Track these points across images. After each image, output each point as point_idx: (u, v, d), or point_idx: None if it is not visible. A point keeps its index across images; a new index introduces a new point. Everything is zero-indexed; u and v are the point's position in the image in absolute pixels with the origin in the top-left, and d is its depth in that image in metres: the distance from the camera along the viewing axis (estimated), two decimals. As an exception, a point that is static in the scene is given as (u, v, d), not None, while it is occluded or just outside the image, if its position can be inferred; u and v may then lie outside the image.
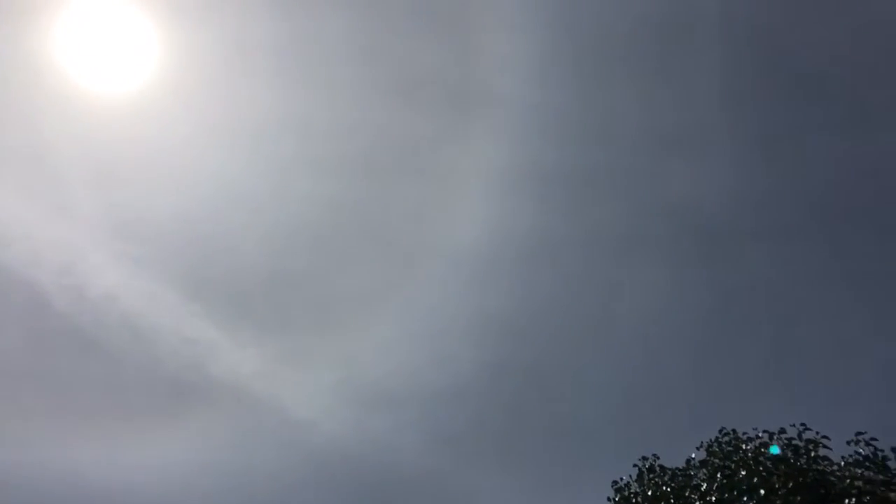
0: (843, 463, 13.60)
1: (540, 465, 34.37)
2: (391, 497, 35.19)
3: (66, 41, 36.13)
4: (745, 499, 13.63)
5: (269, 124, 38.61)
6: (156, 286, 37.04)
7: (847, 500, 12.76)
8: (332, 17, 37.75)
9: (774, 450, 13.94)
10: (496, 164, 38.51)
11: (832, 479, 13.33)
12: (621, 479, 15.96)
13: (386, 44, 39.21)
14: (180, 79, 37.29)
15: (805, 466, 13.60)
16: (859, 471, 13.38)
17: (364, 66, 39.25)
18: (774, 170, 38.97)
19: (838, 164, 37.88)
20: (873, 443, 13.54)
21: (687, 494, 14.68)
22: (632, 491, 15.65)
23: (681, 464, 15.48)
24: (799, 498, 12.97)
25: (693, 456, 15.35)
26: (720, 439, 15.13)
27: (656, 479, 15.44)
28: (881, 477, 13.17)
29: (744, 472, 14.00)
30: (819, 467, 13.60)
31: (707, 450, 15.17)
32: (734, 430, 15.06)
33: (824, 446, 13.83)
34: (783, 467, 13.70)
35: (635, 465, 15.83)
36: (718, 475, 14.40)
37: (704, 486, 14.51)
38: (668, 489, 15.04)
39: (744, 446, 14.64)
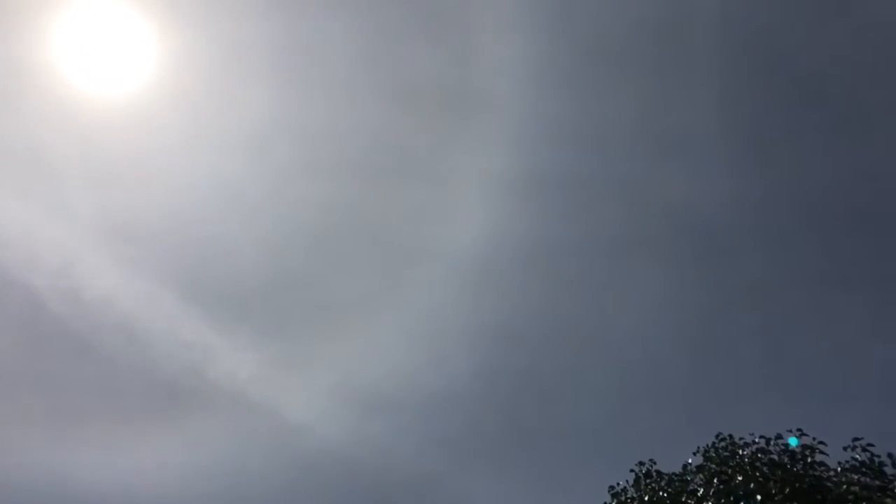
0: (839, 468, 13.61)
1: (536, 469, 34.35)
2: (388, 500, 35.17)
3: (64, 43, 36.08)
4: (741, 504, 13.62)
5: (266, 127, 38.59)
6: (152, 289, 36.99)
7: (843, 506, 12.77)
8: (329, 20, 37.73)
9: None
10: (493, 168, 38.53)
11: (829, 484, 13.34)
12: (618, 483, 15.95)
13: (384, 47, 39.23)
14: (178, 81, 37.27)
15: (802, 472, 13.60)
16: (856, 476, 13.38)
17: (362, 70, 39.25)
18: (772, 172, 39.01)
19: (836, 166, 37.94)
20: (870, 448, 13.57)
21: (683, 500, 14.67)
22: (628, 496, 15.64)
23: (677, 469, 15.48)
24: (795, 503, 12.97)
25: (690, 461, 15.34)
26: (717, 445, 15.12)
27: (653, 485, 15.42)
28: (877, 482, 13.18)
29: (740, 478, 13.99)
30: (816, 473, 13.61)
31: (704, 455, 15.15)
32: (731, 436, 15.06)
33: (821, 452, 13.83)
34: (780, 473, 13.69)
35: (632, 471, 15.82)
36: (715, 481, 14.40)
37: (701, 491, 14.49)
38: (665, 494, 15.03)
39: (740, 452, 14.63)
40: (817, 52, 37.25)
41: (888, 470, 13.30)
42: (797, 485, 13.34)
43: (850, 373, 32.31)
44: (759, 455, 14.28)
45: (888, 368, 30.28)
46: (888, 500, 12.78)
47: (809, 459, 13.74)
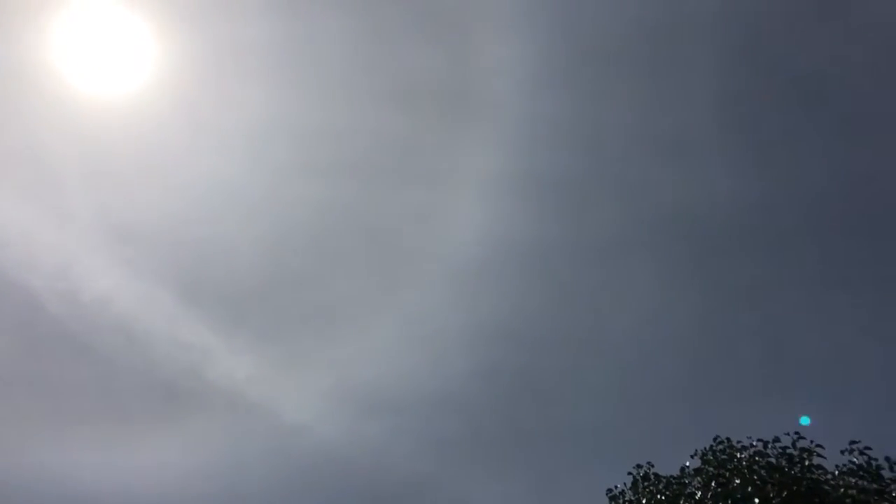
0: (837, 472, 13.62)
1: (534, 471, 34.37)
2: (385, 501, 35.18)
3: (62, 44, 36.09)
4: (739, 507, 13.63)
5: (264, 127, 38.61)
6: (151, 290, 36.99)
7: (841, 510, 12.79)
8: (327, 22, 37.76)
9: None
10: (491, 169, 38.55)
11: (826, 487, 13.34)
12: (616, 486, 15.96)
13: (381, 48, 39.25)
14: (176, 81, 37.27)
15: (799, 475, 13.60)
16: (853, 480, 13.39)
17: (359, 70, 39.26)
18: (770, 173, 39.07)
19: (834, 167, 38.01)
20: (867, 452, 13.57)
21: (681, 503, 14.68)
22: (626, 499, 15.65)
23: (675, 472, 15.48)
24: (793, 507, 13.00)
25: (687, 464, 15.33)
26: (714, 447, 15.11)
27: (650, 487, 15.43)
28: (875, 486, 13.19)
29: (738, 481, 13.99)
30: (813, 476, 13.61)
31: (701, 458, 15.14)
32: (728, 439, 15.06)
33: (818, 455, 13.83)
34: (777, 476, 13.69)
35: (630, 474, 15.82)
36: (713, 483, 14.39)
37: (699, 494, 14.49)
38: (663, 497, 15.03)
39: (738, 455, 14.63)
40: (815, 52, 37.34)
41: (885, 473, 13.30)
42: (795, 488, 13.35)
43: (848, 375, 32.39)
44: (757, 458, 14.27)
45: (886, 371, 30.35)
46: (885, 503, 12.80)
47: (807, 462, 13.73)
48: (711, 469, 14.77)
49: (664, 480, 15.39)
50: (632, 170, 39.92)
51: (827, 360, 33.77)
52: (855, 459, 13.60)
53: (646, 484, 15.56)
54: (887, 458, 13.41)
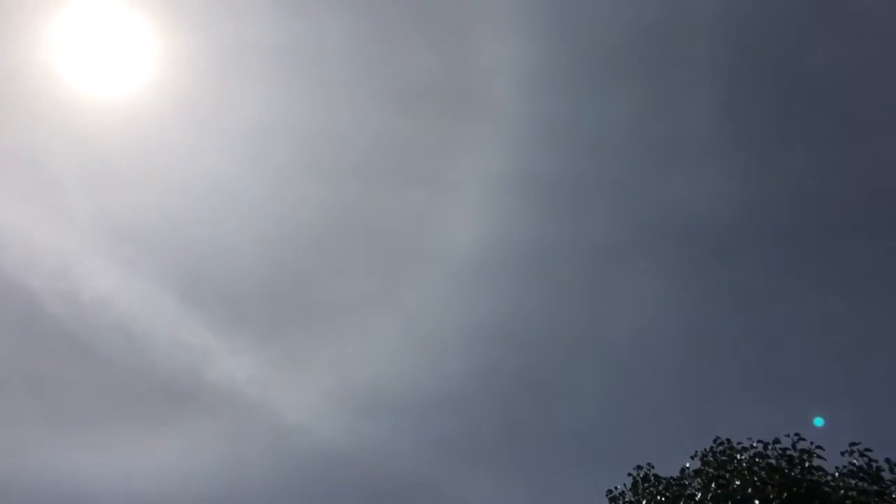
0: (837, 473, 13.62)
1: (533, 472, 34.35)
2: (384, 501, 35.18)
3: (61, 44, 36.09)
4: (739, 509, 13.63)
5: (265, 128, 38.62)
6: (150, 290, 36.98)
7: (841, 511, 12.80)
8: (328, 22, 37.77)
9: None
10: (491, 170, 38.56)
11: (826, 489, 13.34)
12: (616, 487, 15.94)
13: (382, 48, 39.26)
14: (176, 82, 37.27)
15: (799, 477, 13.59)
16: (853, 481, 13.39)
17: (361, 72, 39.28)
18: (769, 174, 39.10)
19: (834, 168, 38.03)
20: (867, 453, 13.57)
21: (681, 504, 14.69)
22: (626, 500, 15.64)
23: (675, 473, 15.47)
24: (793, 508, 13.00)
25: (687, 465, 15.32)
26: (714, 449, 15.09)
27: (650, 489, 15.41)
28: (875, 487, 13.20)
29: (738, 482, 13.98)
30: (813, 477, 13.60)
31: (701, 459, 15.13)
32: (728, 440, 15.05)
33: (819, 456, 13.82)
34: (778, 477, 13.69)
35: (630, 475, 15.81)
36: (713, 485, 14.39)
37: (699, 495, 14.48)
38: (663, 498, 15.02)
39: (738, 456, 14.63)
40: (815, 53, 37.36)
41: (885, 475, 13.30)
42: (795, 489, 13.34)
43: (849, 377, 32.39)
44: (757, 459, 14.25)
45: (887, 372, 30.36)
46: (885, 505, 12.83)
47: (807, 464, 13.73)
48: (711, 470, 14.76)
49: (664, 482, 15.37)
50: (631, 170, 39.98)
51: (827, 361, 33.81)
52: (855, 461, 13.60)
53: (646, 485, 15.55)
54: (887, 460, 13.41)
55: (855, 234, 36.93)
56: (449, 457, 35.96)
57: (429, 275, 38.21)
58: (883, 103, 35.83)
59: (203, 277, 38.73)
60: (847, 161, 37.28)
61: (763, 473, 13.93)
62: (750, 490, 13.67)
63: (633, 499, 15.56)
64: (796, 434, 14.14)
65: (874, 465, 13.40)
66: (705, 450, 15.24)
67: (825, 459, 13.82)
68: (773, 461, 14.08)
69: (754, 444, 14.56)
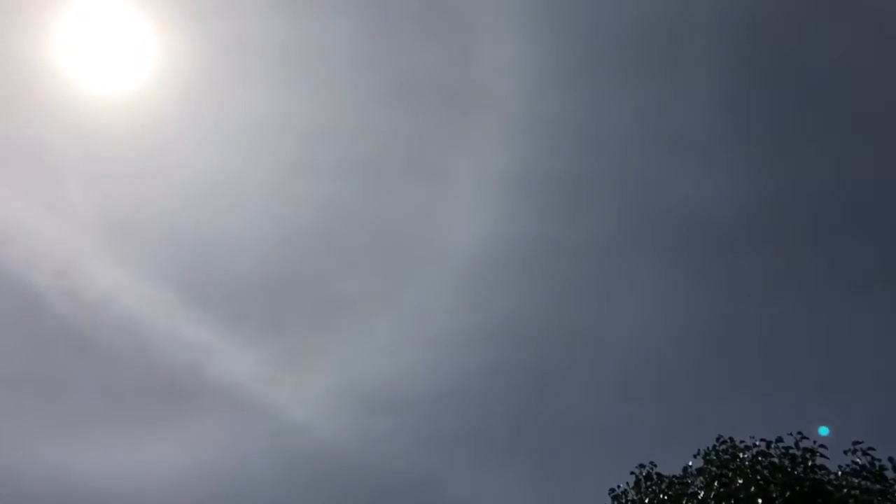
0: (840, 472, 13.55)
1: (537, 470, 34.34)
2: (388, 499, 35.17)
3: (65, 41, 36.11)
4: (741, 508, 13.55)
5: (267, 125, 38.62)
6: (153, 288, 37.01)
7: (844, 510, 12.71)
8: (333, 19, 37.75)
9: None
10: (495, 169, 38.50)
11: (829, 488, 13.28)
12: (618, 486, 15.91)
13: (386, 46, 39.21)
14: (179, 79, 37.28)
15: (802, 475, 13.53)
16: (856, 480, 13.33)
17: (365, 69, 39.25)
18: (774, 172, 38.97)
19: (839, 166, 37.88)
20: (870, 452, 13.51)
21: (684, 502, 14.62)
22: (629, 498, 15.60)
23: (678, 472, 15.42)
24: (796, 507, 12.92)
25: (690, 464, 15.29)
26: (717, 447, 15.06)
27: (653, 487, 15.38)
28: (878, 486, 13.13)
29: (741, 481, 13.93)
30: (816, 476, 13.54)
31: (704, 458, 15.10)
32: (731, 439, 15.00)
33: (821, 455, 13.76)
34: (780, 476, 13.62)
35: (632, 473, 15.77)
36: (715, 483, 14.34)
37: (701, 494, 14.43)
38: (665, 497, 14.98)
39: (741, 454, 14.57)
40: (821, 51, 37.20)
41: (889, 474, 13.26)
42: (798, 488, 13.28)
43: (852, 375, 32.27)
44: (760, 458, 14.20)
45: (890, 371, 30.22)
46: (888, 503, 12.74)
47: (810, 463, 13.67)
48: (714, 469, 14.72)
49: (667, 480, 15.34)
50: (636, 168, 39.89)
51: (832, 359, 33.69)
52: (858, 460, 13.55)
53: (648, 483, 15.52)
54: (890, 459, 13.36)
55: (860, 233, 36.82)
56: (453, 455, 35.97)
57: (433, 272, 38.22)
58: (892, 102, 35.69)
59: (206, 275, 38.79)
60: (854, 160, 37.16)
61: (766, 472, 13.87)
62: (752, 489, 13.61)
63: (635, 497, 15.52)
64: (799, 433, 14.09)
65: (877, 463, 13.35)
66: (708, 448, 15.20)
67: (828, 458, 13.79)
68: (775, 460, 14.01)
69: (757, 443, 14.52)
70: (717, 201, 39.20)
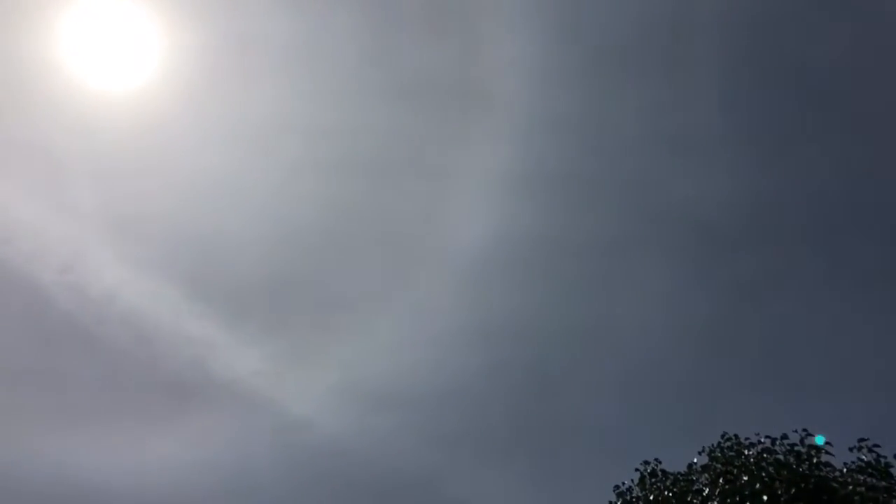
0: (845, 469, 13.58)
1: (540, 468, 34.41)
2: (390, 497, 35.24)
3: (70, 39, 36.18)
4: (746, 504, 13.62)
5: (271, 123, 38.67)
6: (157, 285, 37.08)
7: (849, 507, 12.77)
8: (336, 17, 37.78)
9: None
10: (498, 168, 38.55)
11: (834, 485, 13.31)
12: (623, 483, 15.98)
13: (389, 44, 39.24)
14: (184, 77, 37.33)
15: (807, 472, 13.57)
16: (862, 477, 13.36)
17: (368, 67, 39.28)
18: (776, 171, 39.03)
19: (840, 165, 37.94)
20: (876, 449, 13.51)
21: (689, 499, 14.67)
22: (634, 495, 15.67)
23: (682, 468, 15.50)
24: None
25: (695, 461, 15.33)
26: (722, 444, 15.10)
27: (658, 484, 15.44)
28: (884, 484, 13.15)
29: (746, 478, 13.96)
30: (821, 473, 13.57)
31: (709, 455, 15.14)
32: (736, 436, 15.05)
33: (827, 452, 13.80)
34: (785, 473, 13.68)
35: (637, 470, 15.85)
36: (720, 480, 14.39)
37: (706, 491, 14.49)
38: (670, 494, 15.04)
39: (746, 452, 14.62)
40: (823, 50, 37.24)
41: (894, 471, 13.27)
42: (803, 485, 13.32)
43: (857, 372, 32.34)
44: (765, 455, 14.22)
45: (890, 371, 30.29)
46: (894, 501, 12.78)
47: (815, 460, 13.70)
48: (719, 466, 14.76)
49: (671, 477, 15.41)
50: (638, 167, 39.93)
51: (835, 356, 33.77)
52: (864, 457, 13.54)
53: (653, 480, 15.58)
54: (896, 456, 13.40)
55: (862, 232, 36.87)
56: (454, 453, 36.05)
57: (436, 270, 38.27)
58: (892, 102, 35.74)
59: (209, 271, 38.87)
60: (854, 160, 37.21)
61: (771, 469, 13.90)
62: (758, 486, 13.64)
63: (640, 494, 15.59)
64: (804, 430, 14.10)
65: (883, 460, 13.35)
66: (713, 445, 15.24)
67: (833, 455, 13.80)
68: (780, 457, 14.04)
69: (762, 440, 14.53)
70: (718, 201, 39.28)
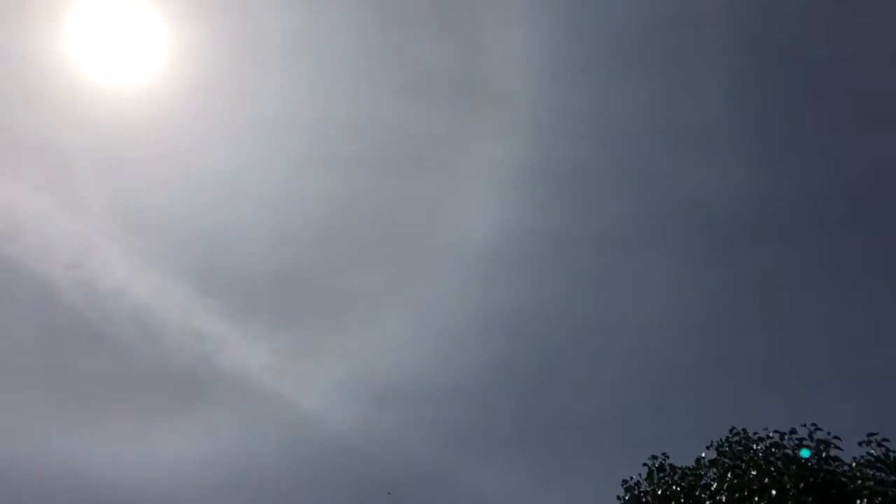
0: (854, 464, 13.53)
1: (549, 463, 34.40)
2: (399, 493, 35.22)
3: (76, 35, 36.25)
4: (755, 499, 13.58)
5: (279, 119, 38.71)
6: (166, 280, 37.19)
7: (858, 501, 12.71)
8: (344, 13, 37.76)
9: (805, 453, 13.84)
10: (506, 162, 38.53)
11: (843, 479, 13.28)
12: (631, 477, 15.99)
13: (397, 39, 39.24)
14: (191, 73, 37.38)
15: (816, 467, 13.55)
16: (871, 472, 13.31)
17: (375, 62, 39.30)
18: (783, 165, 38.89)
19: (847, 159, 37.80)
20: (885, 443, 13.44)
21: (697, 494, 14.68)
22: (641, 490, 15.67)
23: (691, 463, 15.48)
24: (810, 499, 12.93)
25: (703, 455, 15.33)
26: (730, 439, 15.08)
27: (666, 479, 15.44)
28: (893, 478, 13.10)
29: (754, 472, 13.95)
30: (830, 468, 13.53)
31: (717, 449, 15.13)
32: (744, 430, 15.03)
33: (836, 447, 13.74)
34: (794, 467, 13.65)
35: (645, 465, 15.85)
36: (729, 475, 14.38)
37: (714, 485, 14.49)
38: (678, 488, 15.04)
39: (754, 446, 14.60)
40: (829, 44, 37.05)
41: (904, 466, 13.24)
42: (811, 479, 13.30)
43: (865, 367, 32.23)
44: (773, 450, 14.20)
45: (892, 369, 30.19)
46: (903, 495, 12.75)
47: (824, 454, 13.67)
48: (727, 460, 14.75)
49: (679, 471, 15.40)
50: (646, 160, 39.86)
51: (842, 350, 33.67)
52: (872, 451, 13.47)
53: (661, 475, 15.58)
54: (905, 451, 13.33)
55: (870, 226, 36.72)
56: (462, 447, 36.07)
57: (443, 265, 38.29)
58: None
59: (217, 267, 38.97)
60: (862, 152, 37.04)
61: (779, 464, 13.88)
62: (766, 480, 13.64)
63: (648, 488, 15.60)
64: (813, 424, 14.05)
65: (892, 455, 13.28)
66: (721, 440, 15.23)
67: (842, 450, 13.75)
68: (789, 451, 14.02)
69: (770, 435, 14.50)
70: (725, 196, 39.18)
